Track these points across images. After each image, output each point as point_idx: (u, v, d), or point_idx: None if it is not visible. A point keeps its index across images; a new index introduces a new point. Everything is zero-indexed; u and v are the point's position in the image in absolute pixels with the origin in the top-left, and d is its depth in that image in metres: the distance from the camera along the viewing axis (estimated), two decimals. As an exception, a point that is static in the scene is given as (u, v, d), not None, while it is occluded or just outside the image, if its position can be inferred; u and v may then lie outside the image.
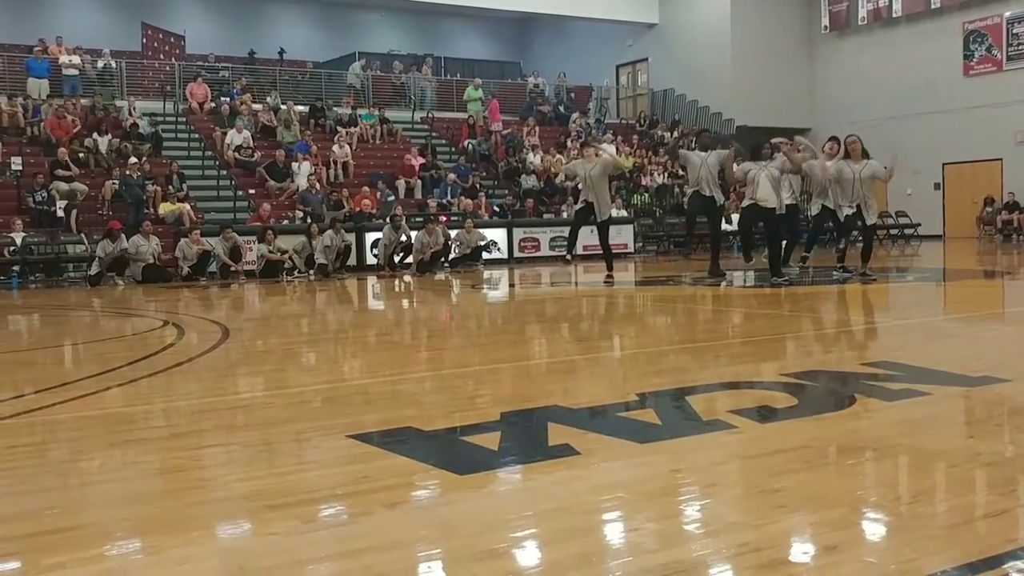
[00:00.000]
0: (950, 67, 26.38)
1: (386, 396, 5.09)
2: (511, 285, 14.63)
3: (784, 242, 12.49)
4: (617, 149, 25.94)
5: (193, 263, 16.29)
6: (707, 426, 3.85)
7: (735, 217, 22.50)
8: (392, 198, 21.06)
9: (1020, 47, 25.18)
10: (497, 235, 20.40)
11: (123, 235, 16.34)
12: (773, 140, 12.14)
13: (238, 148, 21.27)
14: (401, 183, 22.05)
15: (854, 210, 11.30)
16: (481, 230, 19.48)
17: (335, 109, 24.72)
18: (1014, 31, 25.28)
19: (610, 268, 13.00)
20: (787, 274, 11.86)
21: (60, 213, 17.67)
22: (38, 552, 2.58)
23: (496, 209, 22.06)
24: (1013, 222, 24.57)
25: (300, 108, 24.33)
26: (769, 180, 11.15)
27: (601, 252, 13.37)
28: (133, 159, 19.20)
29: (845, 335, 7.38)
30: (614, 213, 13.70)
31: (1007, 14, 25.36)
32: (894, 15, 27.53)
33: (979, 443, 3.56)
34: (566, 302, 11.60)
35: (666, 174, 25.66)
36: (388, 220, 17.95)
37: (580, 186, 13.06)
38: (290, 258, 16.88)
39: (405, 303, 12.46)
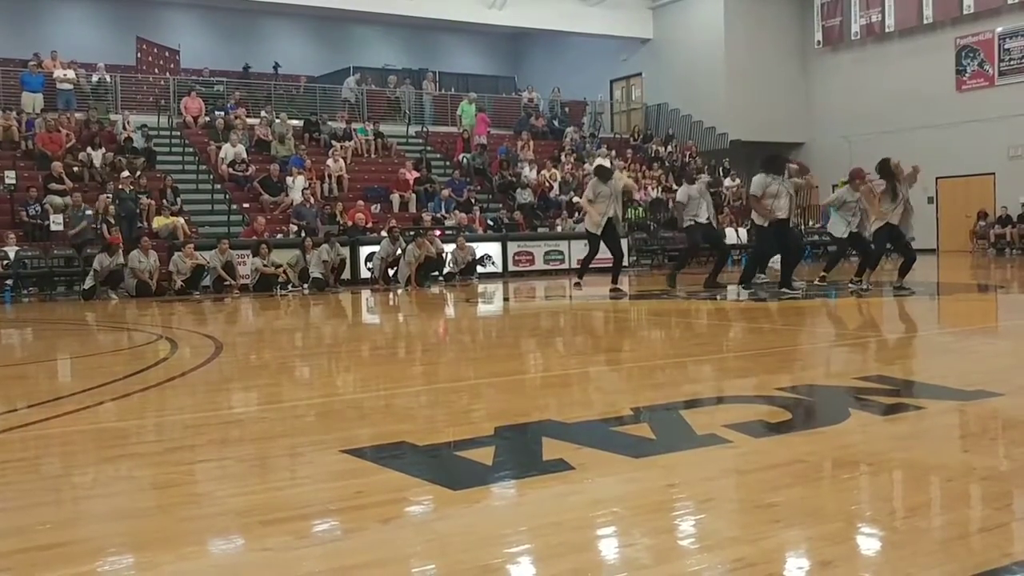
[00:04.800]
0: (943, 82, 26.51)
1: (380, 410, 5.08)
2: (505, 299, 14.63)
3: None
4: (611, 163, 25.98)
5: (187, 277, 16.27)
6: (701, 441, 3.84)
7: (729, 232, 22.57)
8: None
9: (1012, 63, 25.30)
10: (491, 249, 20.42)
11: (120, 249, 16.35)
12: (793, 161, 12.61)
13: (232, 162, 21.28)
14: (396, 197, 22.07)
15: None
16: (475, 244, 19.52)
17: (329, 123, 24.76)
18: (1006, 47, 25.41)
19: (616, 280, 13.26)
20: (799, 288, 11.92)
21: (54, 227, 17.65)
22: (30, 568, 2.57)
23: (489, 223, 22.08)
24: (1006, 236, 24.66)
25: (294, 122, 24.36)
26: (788, 196, 11.33)
27: (591, 264, 13.64)
28: (126, 173, 19.18)
29: (839, 349, 7.39)
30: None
31: (999, 30, 25.50)
32: (887, 30, 27.66)
33: (974, 457, 3.56)
34: (560, 316, 11.60)
35: (660, 188, 25.71)
36: (387, 233, 17.97)
37: (599, 201, 12.88)
38: (284, 272, 16.87)
39: (399, 317, 12.45)
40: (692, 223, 13.61)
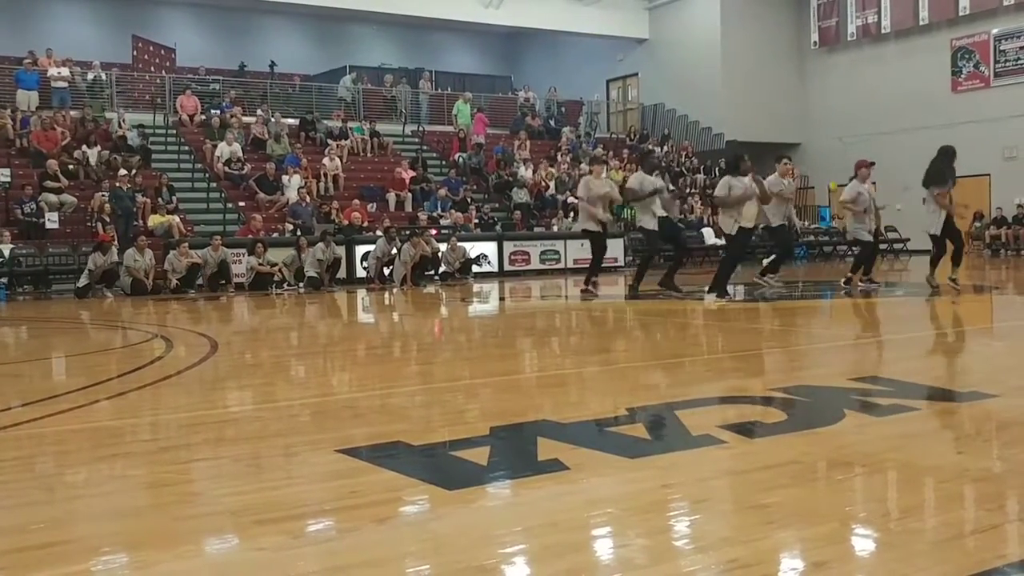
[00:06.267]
0: (938, 83, 26.55)
1: (375, 410, 5.08)
2: (501, 298, 14.62)
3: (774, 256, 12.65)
4: (607, 163, 25.99)
5: (182, 275, 16.25)
6: (696, 441, 3.84)
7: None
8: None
9: (1007, 64, 25.36)
10: (488, 248, 20.42)
11: (113, 248, 16.34)
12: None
13: (228, 161, 21.25)
14: (392, 196, 22.07)
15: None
16: (470, 243, 19.51)
17: (325, 122, 24.74)
18: (1001, 48, 25.46)
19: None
20: (770, 284, 11.92)
21: (49, 225, 17.63)
22: (25, 567, 2.56)
23: (476, 221, 22.03)
24: (1001, 237, 24.70)
25: (290, 121, 24.34)
26: (756, 200, 10.99)
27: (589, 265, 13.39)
28: (123, 171, 19.16)
29: (834, 350, 7.39)
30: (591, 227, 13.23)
31: (994, 31, 25.54)
32: (883, 31, 27.70)
33: (968, 459, 3.57)
34: (555, 316, 11.60)
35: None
36: (383, 232, 17.96)
37: (593, 203, 12.77)
38: (280, 271, 16.85)
39: (395, 316, 12.45)
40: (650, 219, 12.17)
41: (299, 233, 18.24)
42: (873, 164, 12.56)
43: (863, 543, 2.64)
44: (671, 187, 14.96)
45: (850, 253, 25.45)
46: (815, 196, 29.82)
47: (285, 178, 20.86)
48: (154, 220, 18.48)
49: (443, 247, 18.45)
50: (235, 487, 3.42)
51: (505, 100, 30.46)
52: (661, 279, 12.33)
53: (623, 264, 21.82)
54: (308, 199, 20.31)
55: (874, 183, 12.53)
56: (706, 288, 11.33)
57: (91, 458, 4.00)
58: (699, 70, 29.34)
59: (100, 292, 16.02)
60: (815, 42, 29.66)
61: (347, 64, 29.50)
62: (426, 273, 17.76)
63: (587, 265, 13.29)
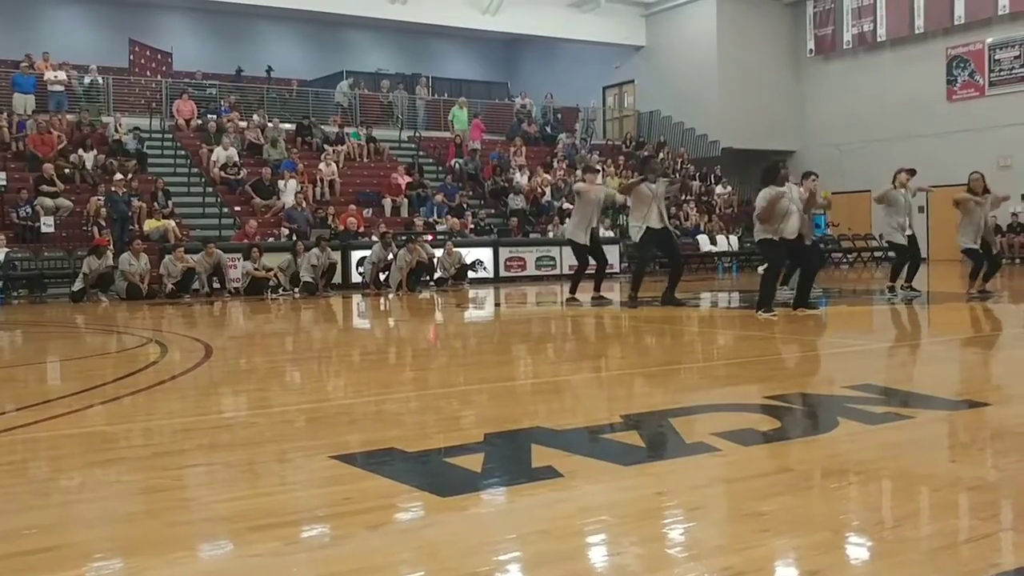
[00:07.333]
0: (934, 91, 26.64)
1: (370, 416, 5.08)
2: (496, 304, 14.62)
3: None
4: (603, 170, 26.05)
5: (177, 280, 16.23)
6: (691, 449, 3.85)
7: (720, 239, 22.50)
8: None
9: (1002, 73, 25.44)
10: (483, 254, 20.44)
11: (109, 252, 16.33)
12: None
13: (224, 165, 21.25)
14: (388, 201, 22.07)
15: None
16: (466, 249, 19.52)
17: (322, 127, 24.75)
18: (996, 57, 25.55)
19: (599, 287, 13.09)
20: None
21: (44, 229, 17.60)
22: (18, 573, 2.56)
23: (472, 227, 22.04)
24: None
25: (287, 126, 24.35)
26: (799, 212, 10.03)
27: (587, 272, 13.29)
28: (119, 175, 19.15)
29: (829, 358, 7.40)
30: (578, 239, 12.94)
31: (989, 40, 25.63)
32: (878, 40, 27.79)
33: (962, 467, 3.58)
34: (551, 322, 11.59)
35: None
36: (379, 239, 17.97)
37: (583, 209, 12.75)
38: (275, 276, 16.84)
39: (390, 322, 12.44)
40: (644, 231, 11.63)
41: (295, 238, 18.23)
42: (913, 172, 13.03)
43: (857, 551, 2.64)
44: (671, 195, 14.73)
45: (845, 260, 25.59)
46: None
47: (281, 183, 20.85)
48: (150, 224, 18.47)
49: (439, 253, 18.45)
50: (229, 493, 3.42)
51: (501, 106, 30.47)
52: (663, 295, 11.96)
53: (619, 271, 21.83)
54: (304, 204, 20.30)
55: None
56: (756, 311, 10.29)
57: (85, 463, 4.00)
58: (695, 77, 29.38)
59: (95, 296, 15.99)
60: (811, 50, 29.74)
61: (344, 69, 29.49)
62: (422, 279, 17.77)
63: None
